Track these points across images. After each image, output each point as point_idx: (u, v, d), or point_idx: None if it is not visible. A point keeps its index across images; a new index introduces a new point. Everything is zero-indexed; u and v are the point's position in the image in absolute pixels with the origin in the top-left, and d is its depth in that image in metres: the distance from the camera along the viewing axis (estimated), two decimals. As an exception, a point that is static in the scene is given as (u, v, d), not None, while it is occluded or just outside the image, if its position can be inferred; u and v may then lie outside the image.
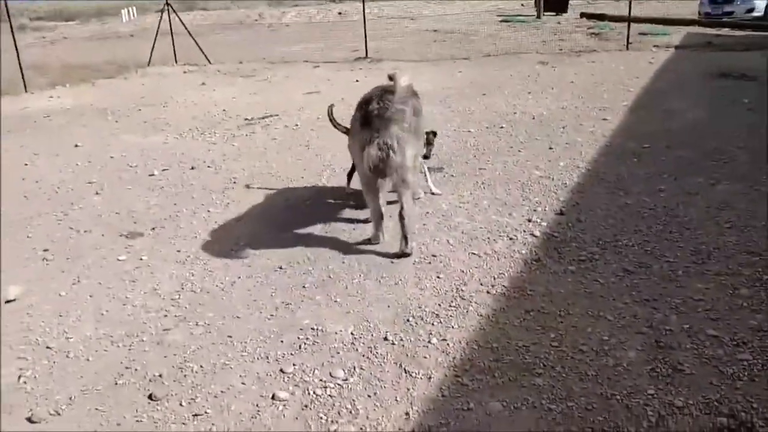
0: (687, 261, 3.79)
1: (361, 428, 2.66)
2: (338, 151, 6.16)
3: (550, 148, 6.10)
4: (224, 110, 8.96)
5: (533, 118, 7.35)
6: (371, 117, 3.88)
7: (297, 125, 7.75)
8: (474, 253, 4.06)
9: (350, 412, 2.76)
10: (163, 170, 6.17)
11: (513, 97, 8.55)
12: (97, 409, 2.85)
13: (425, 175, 5.09)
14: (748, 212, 4.36)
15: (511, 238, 4.24)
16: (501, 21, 18.90)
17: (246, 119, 8.31)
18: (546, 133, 6.62)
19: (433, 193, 5.04)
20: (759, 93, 7.65)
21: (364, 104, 4.02)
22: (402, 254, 4.04)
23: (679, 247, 3.97)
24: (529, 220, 4.48)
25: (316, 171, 5.88)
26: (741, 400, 2.66)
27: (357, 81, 10.10)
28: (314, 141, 6.91)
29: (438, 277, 3.79)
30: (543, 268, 3.82)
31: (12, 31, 12.30)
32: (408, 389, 2.86)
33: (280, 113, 8.46)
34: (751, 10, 16.23)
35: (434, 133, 5.03)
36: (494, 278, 3.75)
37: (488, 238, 4.27)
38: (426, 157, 4.90)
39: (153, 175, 6.05)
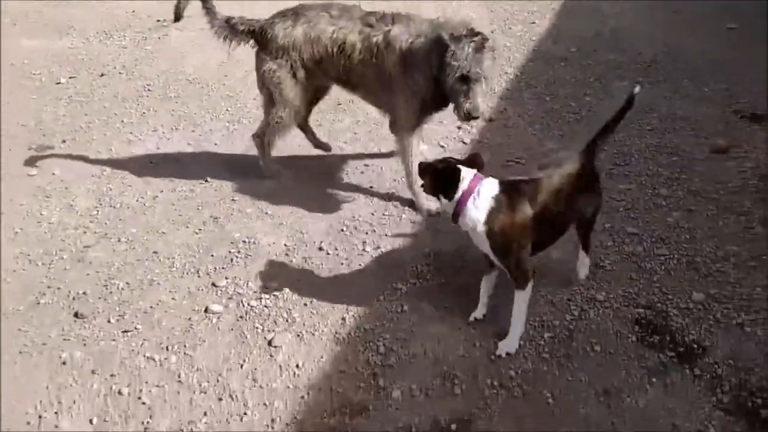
0: (610, 163, 3.91)
1: (298, 334, 2.69)
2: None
3: (480, 53, 6.00)
4: (133, 11, 8.24)
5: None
6: None
7: (216, 28, 7.24)
8: (405, 161, 4.04)
9: (286, 320, 2.77)
10: (71, 78, 5.68)
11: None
12: (20, 329, 2.76)
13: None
14: (669, 115, 4.49)
15: (442, 146, 4.23)
16: None
17: (158, 20, 7.70)
18: (475, 37, 6.49)
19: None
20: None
21: None
22: None
23: (602, 149, 4.06)
24: (459, 128, 4.45)
25: (239, 76, 5.57)
26: (657, 292, 2.85)
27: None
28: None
29: (371, 187, 3.76)
30: (472, 173, 3.85)
31: None
32: (344, 296, 2.89)
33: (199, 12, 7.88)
34: None
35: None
36: (426, 185, 3.76)
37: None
38: None
39: (60, 83, 5.57)
